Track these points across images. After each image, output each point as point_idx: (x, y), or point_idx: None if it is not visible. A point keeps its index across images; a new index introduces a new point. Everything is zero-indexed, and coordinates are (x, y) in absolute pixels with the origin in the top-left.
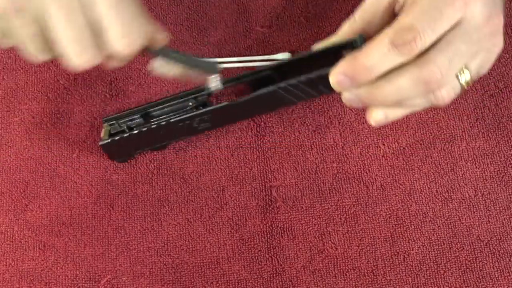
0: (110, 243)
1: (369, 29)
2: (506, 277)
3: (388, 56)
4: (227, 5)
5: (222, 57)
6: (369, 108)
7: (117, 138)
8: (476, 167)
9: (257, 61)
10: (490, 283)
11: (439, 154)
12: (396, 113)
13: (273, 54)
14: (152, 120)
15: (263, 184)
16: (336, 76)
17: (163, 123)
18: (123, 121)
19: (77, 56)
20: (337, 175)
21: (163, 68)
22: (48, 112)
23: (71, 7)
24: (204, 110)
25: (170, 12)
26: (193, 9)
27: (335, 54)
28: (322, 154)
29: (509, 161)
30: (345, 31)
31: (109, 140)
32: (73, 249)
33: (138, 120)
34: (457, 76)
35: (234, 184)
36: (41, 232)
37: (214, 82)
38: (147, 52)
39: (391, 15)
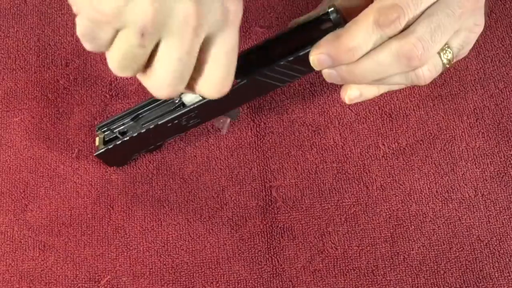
0: (110, 243)
1: (349, 5)
2: (506, 277)
3: (372, 36)
4: None
5: None
6: (344, 86)
7: (110, 146)
8: (476, 167)
9: None
10: (490, 283)
11: (439, 154)
12: (371, 91)
13: None
14: (142, 123)
15: (263, 184)
16: (318, 56)
17: (152, 126)
18: (115, 126)
19: (167, 85)
20: (337, 175)
21: (189, 97)
22: (48, 112)
23: (191, 43)
24: (187, 109)
25: None
26: None
27: (312, 29)
28: (322, 154)
29: (509, 161)
30: (325, 6)
31: (103, 150)
32: (73, 249)
33: (130, 123)
34: (439, 54)
35: (234, 184)
36: (41, 232)
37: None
38: None
39: None
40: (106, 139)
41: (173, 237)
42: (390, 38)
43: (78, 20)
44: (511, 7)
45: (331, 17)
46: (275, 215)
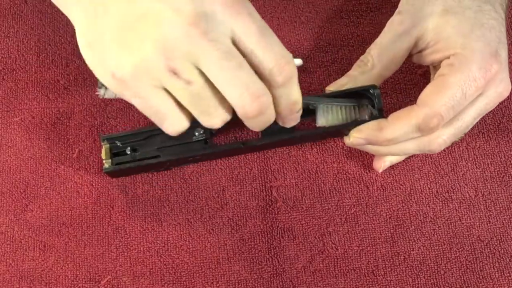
0: (110, 243)
1: (385, 73)
2: (506, 277)
3: (410, 134)
4: None
5: None
6: (377, 158)
7: (123, 168)
8: (476, 167)
9: None
10: (491, 283)
11: (439, 154)
12: (398, 159)
13: None
14: (157, 147)
15: (263, 184)
16: (357, 140)
17: (174, 158)
18: (125, 142)
19: (251, 102)
20: (337, 176)
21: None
22: (48, 112)
23: (226, 50)
24: (212, 151)
25: None
26: None
27: (349, 96)
28: (322, 154)
29: (509, 161)
30: (361, 79)
31: (113, 169)
32: (73, 249)
33: (142, 141)
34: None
35: (234, 184)
36: (41, 232)
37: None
38: None
39: (406, 58)
40: (114, 152)
41: (173, 237)
42: None
43: None
44: (511, 7)
45: (372, 94)
46: (275, 215)
